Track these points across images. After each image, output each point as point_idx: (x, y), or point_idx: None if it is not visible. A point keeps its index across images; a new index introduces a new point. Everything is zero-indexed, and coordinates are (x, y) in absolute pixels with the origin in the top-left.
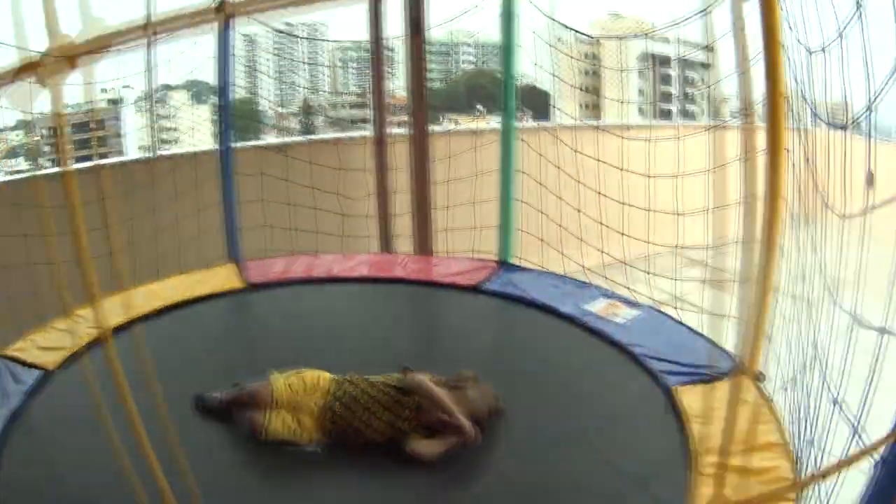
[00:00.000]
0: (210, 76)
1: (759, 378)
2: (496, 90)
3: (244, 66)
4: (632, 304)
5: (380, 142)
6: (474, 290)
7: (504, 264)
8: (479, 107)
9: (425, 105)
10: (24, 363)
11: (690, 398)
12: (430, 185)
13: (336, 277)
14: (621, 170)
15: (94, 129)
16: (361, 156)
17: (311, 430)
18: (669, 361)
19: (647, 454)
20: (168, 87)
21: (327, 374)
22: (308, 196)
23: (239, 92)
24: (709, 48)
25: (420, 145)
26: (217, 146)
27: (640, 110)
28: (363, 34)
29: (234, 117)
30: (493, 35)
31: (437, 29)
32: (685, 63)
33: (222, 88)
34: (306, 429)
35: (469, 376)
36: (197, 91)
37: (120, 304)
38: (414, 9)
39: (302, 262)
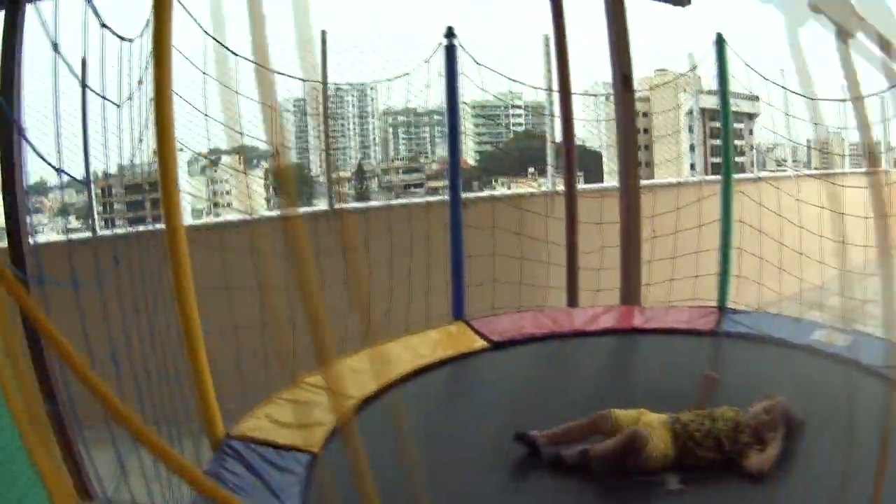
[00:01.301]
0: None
1: None
2: (546, 152)
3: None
4: (843, 330)
5: (570, 196)
6: (713, 334)
7: (723, 309)
8: (532, 169)
9: (635, 162)
10: (276, 446)
11: None
12: (639, 239)
13: (578, 332)
14: (843, 214)
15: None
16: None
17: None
18: None
19: None
20: (219, 152)
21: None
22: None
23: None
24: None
25: (630, 200)
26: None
27: (692, 166)
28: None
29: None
30: (540, 96)
31: (484, 93)
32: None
33: (452, 143)
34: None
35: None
36: (248, 157)
37: (363, 367)
38: (623, 65)
39: (528, 319)
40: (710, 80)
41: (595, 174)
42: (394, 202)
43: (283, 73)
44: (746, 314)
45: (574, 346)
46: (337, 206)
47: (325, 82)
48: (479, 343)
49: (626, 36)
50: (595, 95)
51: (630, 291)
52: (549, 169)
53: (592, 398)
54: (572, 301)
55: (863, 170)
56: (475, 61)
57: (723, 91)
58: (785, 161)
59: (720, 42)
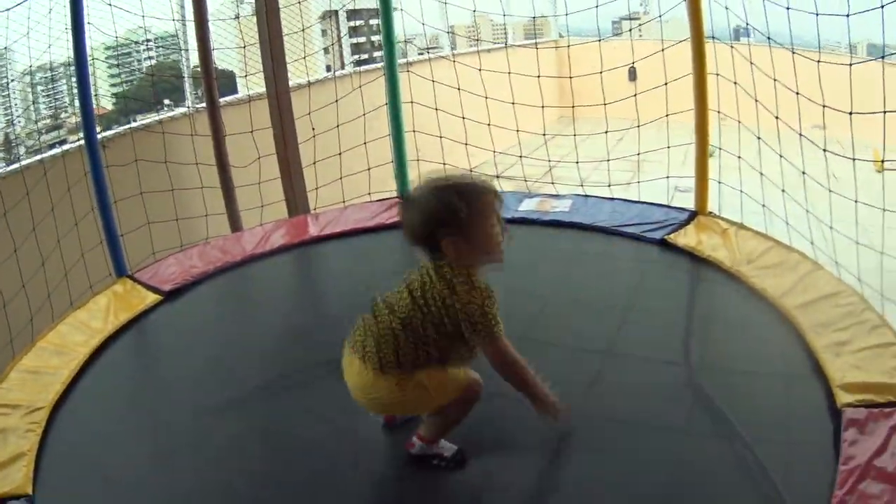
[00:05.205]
0: None
1: (711, 214)
2: (178, 82)
3: None
4: (556, 196)
5: (212, 108)
6: None
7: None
8: (167, 101)
9: (282, 59)
10: None
11: (684, 240)
12: (296, 142)
13: (253, 256)
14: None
15: None
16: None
17: None
18: (636, 225)
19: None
20: None
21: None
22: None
23: None
24: None
25: (280, 101)
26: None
27: (328, 67)
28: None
29: None
30: (167, 27)
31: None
32: (364, 12)
33: (81, 74)
34: None
35: None
36: None
37: (40, 365)
38: None
39: (195, 258)
40: None
41: (228, 89)
42: (26, 161)
43: None
44: None
45: (254, 273)
46: None
47: None
48: (151, 297)
49: None
50: None
51: (297, 200)
52: (186, 84)
53: (303, 325)
54: (235, 225)
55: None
56: None
57: None
58: (427, 49)
59: None
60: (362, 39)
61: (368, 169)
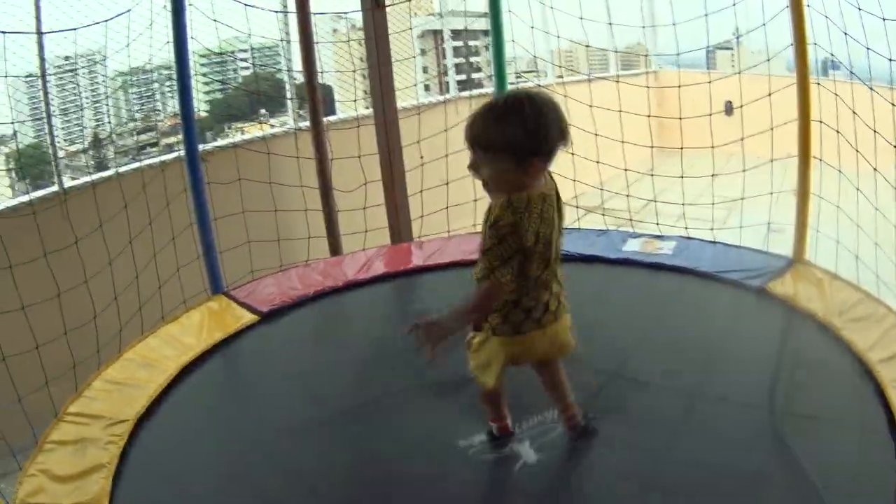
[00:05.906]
0: None
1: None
2: (277, 93)
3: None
4: (660, 237)
5: (317, 132)
6: None
7: None
8: (263, 111)
9: (390, 85)
10: None
11: (781, 289)
12: (402, 169)
13: (353, 282)
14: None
15: None
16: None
17: None
18: (736, 271)
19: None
20: None
21: None
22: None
23: (25, 138)
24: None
25: (388, 127)
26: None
27: (427, 87)
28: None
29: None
30: (266, 37)
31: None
32: (467, 33)
33: (183, 88)
34: None
35: None
36: None
37: (125, 377)
38: None
39: (294, 279)
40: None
41: (327, 106)
42: (125, 168)
43: None
44: None
45: (355, 299)
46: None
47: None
48: (247, 317)
49: None
50: (339, 14)
51: (400, 227)
52: (290, 104)
53: (400, 355)
54: (335, 248)
55: (632, 72)
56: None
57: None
58: (526, 72)
59: None
60: (461, 60)
61: (475, 200)
